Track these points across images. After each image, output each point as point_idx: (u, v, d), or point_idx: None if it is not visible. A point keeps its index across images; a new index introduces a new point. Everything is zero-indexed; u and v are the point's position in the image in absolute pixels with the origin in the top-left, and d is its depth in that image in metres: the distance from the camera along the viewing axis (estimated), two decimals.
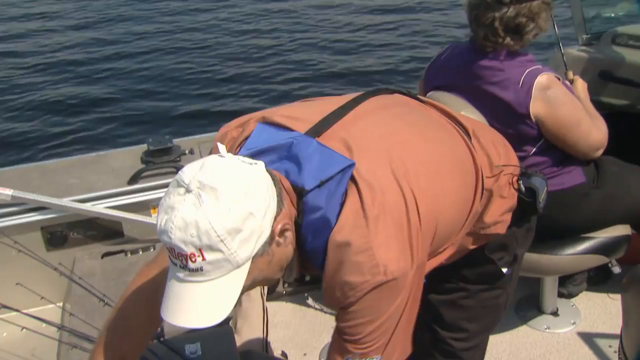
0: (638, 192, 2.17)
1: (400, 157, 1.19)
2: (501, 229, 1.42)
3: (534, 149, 2.03)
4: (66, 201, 2.44)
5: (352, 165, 1.12)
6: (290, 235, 1.08)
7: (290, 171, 1.11)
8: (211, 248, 0.95)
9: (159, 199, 2.46)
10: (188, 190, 0.97)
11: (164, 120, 5.66)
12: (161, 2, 8.90)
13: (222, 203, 0.95)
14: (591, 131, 2.03)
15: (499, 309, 1.59)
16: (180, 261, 0.98)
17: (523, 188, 1.44)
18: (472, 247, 1.43)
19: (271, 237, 1.03)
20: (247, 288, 1.05)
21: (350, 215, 1.09)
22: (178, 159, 2.72)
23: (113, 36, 7.75)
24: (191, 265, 0.97)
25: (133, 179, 2.60)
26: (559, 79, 1.99)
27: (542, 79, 1.93)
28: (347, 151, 1.14)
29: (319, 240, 1.11)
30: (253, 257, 1.01)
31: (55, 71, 6.87)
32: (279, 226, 1.03)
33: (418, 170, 1.19)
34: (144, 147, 2.79)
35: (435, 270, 1.36)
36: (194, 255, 0.96)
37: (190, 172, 0.99)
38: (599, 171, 2.15)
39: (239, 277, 1.00)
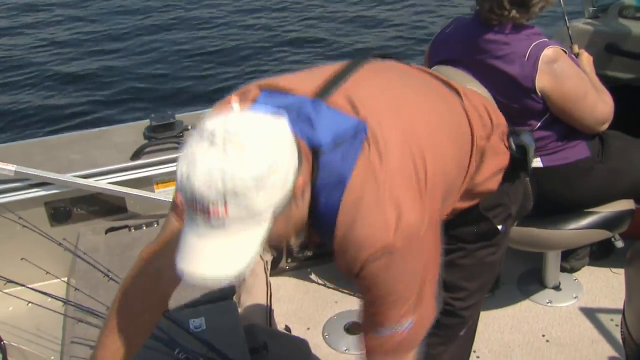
0: None
1: (407, 116, 1.21)
2: (493, 186, 1.46)
3: (539, 123, 2.02)
4: (69, 177, 2.44)
5: (364, 126, 1.12)
6: (307, 195, 1.07)
7: (305, 131, 1.09)
8: (235, 199, 0.93)
9: (162, 174, 2.48)
10: (212, 141, 0.93)
11: (167, 96, 5.64)
12: None
13: (247, 154, 0.93)
14: (597, 105, 2.01)
15: (495, 265, 1.62)
16: (202, 214, 0.95)
17: (514, 146, 1.48)
18: (465, 205, 1.45)
19: (292, 195, 1.01)
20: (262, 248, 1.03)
21: (363, 173, 1.09)
22: (181, 134, 2.70)
23: (118, 13, 7.69)
24: (213, 217, 0.94)
25: (136, 155, 2.59)
26: (565, 52, 1.97)
27: (549, 52, 1.91)
28: (355, 112, 1.14)
29: (332, 200, 1.10)
30: (274, 214, 0.98)
31: (58, 48, 6.83)
32: (300, 184, 1.02)
33: (423, 129, 1.21)
34: (146, 122, 2.77)
35: None
36: (217, 207, 0.93)
37: (214, 123, 0.95)
38: (603, 145, 2.13)
39: (259, 232, 0.98)
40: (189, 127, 2.79)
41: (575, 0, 3.04)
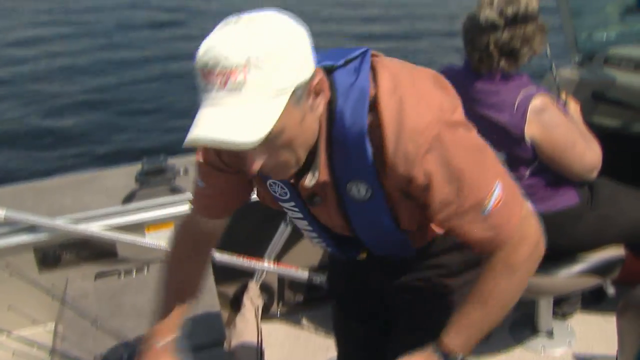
0: (632, 213, 2.18)
1: None
2: None
3: (529, 171, 2.04)
4: (59, 221, 2.43)
5: (368, 49, 1.16)
6: (321, 106, 1.09)
7: (317, 56, 1.09)
8: (255, 67, 0.95)
9: (154, 219, 2.50)
10: (236, 21, 1.00)
11: (160, 138, 5.66)
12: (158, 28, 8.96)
13: (269, 31, 0.98)
14: (586, 153, 2.04)
15: None
16: (220, 79, 0.96)
17: None
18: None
19: (308, 89, 1.04)
20: (276, 145, 1.04)
21: (389, 78, 1.11)
22: (172, 178, 2.71)
23: (112, 55, 7.77)
24: (230, 81, 0.96)
25: (127, 199, 2.59)
26: (553, 101, 2.00)
27: (537, 101, 1.95)
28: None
29: (359, 112, 1.10)
30: (289, 100, 1.00)
31: (50, 90, 6.87)
32: (316, 82, 1.05)
33: None
34: (139, 166, 2.78)
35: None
36: (237, 71, 0.95)
37: (235, 15, 1.02)
38: (592, 193, 2.16)
39: (275, 106, 0.98)
40: (181, 171, 2.80)
41: (562, 48, 3.12)
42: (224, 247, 2.46)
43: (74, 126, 5.94)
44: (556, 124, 1.98)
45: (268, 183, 1.29)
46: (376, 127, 1.10)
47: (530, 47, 1.96)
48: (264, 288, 2.72)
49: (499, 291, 1.23)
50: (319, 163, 1.17)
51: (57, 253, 2.51)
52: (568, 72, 2.83)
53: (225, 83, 0.96)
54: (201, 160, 1.32)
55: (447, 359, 1.21)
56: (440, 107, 1.11)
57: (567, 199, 2.09)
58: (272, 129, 0.99)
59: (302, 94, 1.03)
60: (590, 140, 2.08)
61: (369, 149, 1.12)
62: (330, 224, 1.35)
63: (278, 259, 2.66)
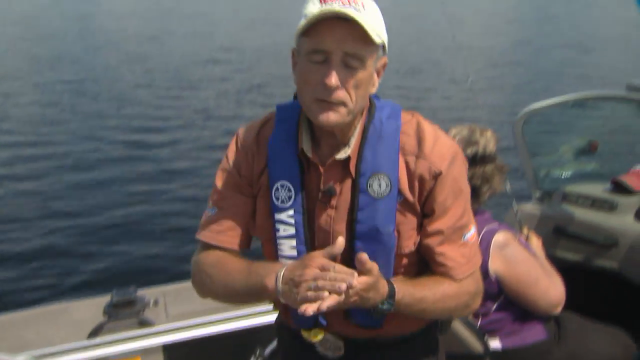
0: (599, 350, 2.19)
1: None
2: None
3: (495, 305, 2.07)
4: (21, 358, 2.35)
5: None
6: (375, 89, 1.41)
7: None
8: (370, 7, 1.31)
9: (120, 353, 2.46)
10: None
11: (131, 267, 5.59)
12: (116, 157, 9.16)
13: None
14: (549, 288, 2.09)
15: None
16: (343, 2, 1.27)
17: None
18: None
19: (381, 61, 1.39)
20: (357, 72, 1.31)
21: (409, 115, 1.47)
22: (142, 310, 2.68)
23: (77, 184, 7.83)
24: (353, 2, 1.28)
25: (93, 333, 2.54)
26: (515, 237, 2.09)
27: (499, 237, 2.03)
28: None
29: (395, 115, 1.44)
30: (375, 53, 1.34)
31: (17, 220, 6.84)
32: (384, 61, 1.40)
33: None
34: (107, 297, 2.75)
35: None
36: (358, 1, 1.29)
37: None
38: (559, 327, 2.18)
39: (375, 44, 1.31)
40: (151, 303, 2.77)
41: (523, 184, 3.28)
42: None
43: (41, 254, 5.86)
44: (519, 259, 2.04)
45: (275, 187, 1.44)
46: (409, 131, 1.42)
47: (490, 186, 2.08)
48: None
49: (443, 300, 1.43)
50: (353, 142, 1.41)
51: None
52: (530, 208, 2.96)
53: (348, 3, 1.27)
54: (219, 183, 1.51)
55: (390, 292, 1.35)
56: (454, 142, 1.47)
57: (535, 333, 2.11)
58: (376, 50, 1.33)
59: (378, 57, 1.36)
60: (553, 276, 2.14)
61: (399, 146, 1.40)
62: (327, 233, 1.42)
63: None
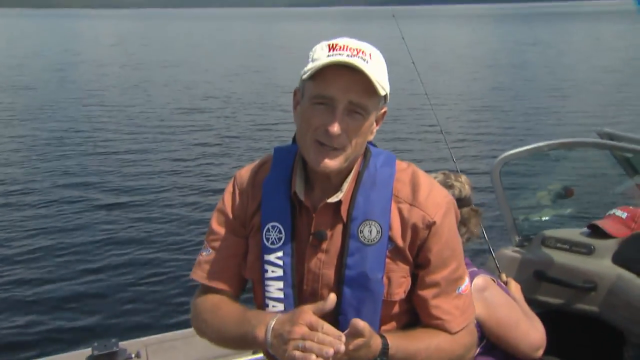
0: None
1: None
2: None
3: (478, 350, 2.08)
4: None
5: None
6: (372, 137, 1.44)
7: None
8: (375, 57, 1.35)
9: None
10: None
11: (113, 319, 5.49)
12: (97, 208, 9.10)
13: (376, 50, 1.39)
14: (530, 331, 2.11)
15: None
16: (352, 51, 1.32)
17: None
18: None
19: (382, 110, 1.43)
20: (358, 121, 1.35)
21: (405, 164, 1.51)
22: None
23: (59, 234, 7.74)
24: (361, 54, 1.32)
25: None
26: (494, 281, 2.12)
27: (479, 281, 2.06)
28: None
29: (390, 163, 1.47)
30: (378, 104, 1.39)
31: None
32: (385, 110, 1.44)
33: None
34: (88, 351, 2.71)
35: None
36: (365, 51, 1.33)
37: None
38: None
39: (378, 95, 1.34)
40: (132, 356, 2.74)
41: (502, 229, 3.33)
42: None
43: (18, 308, 5.74)
44: (499, 302, 2.07)
45: (266, 228, 1.44)
46: (404, 179, 1.44)
47: (467, 229, 2.12)
48: None
49: (437, 354, 1.44)
50: (346, 187, 1.42)
51: None
52: (509, 253, 3.00)
53: (357, 54, 1.32)
54: (214, 224, 1.54)
55: (383, 348, 1.36)
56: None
57: None
58: (378, 102, 1.38)
59: (380, 106, 1.40)
60: (533, 319, 2.17)
61: (392, 193, 1.42)
62: (316, 276, 1.42)
63: None
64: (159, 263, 6.72)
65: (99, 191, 9.27)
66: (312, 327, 1.27)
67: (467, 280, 1.49)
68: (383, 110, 1.44)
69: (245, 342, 1.41)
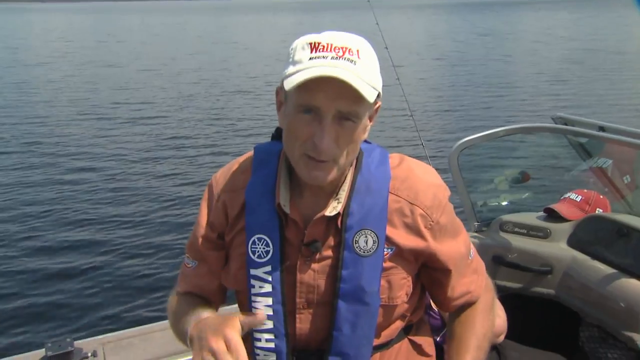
0: None
1: None
2: None
3: (439, 339, 2.08)
4: None
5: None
6: (366, 135, 1.34)
7: None
8: (363, 54, 1.21)
9: None
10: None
11: (66, 317, 5.35)
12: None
13: (366, 42, 1.26)
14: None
15: None
16: (336, 52, 1.18)
17: None
18: None
19: (375, 107, 1.31)
20: (349, 129, 1.24)
21: (399, 157, 1.44)
22: None
23: (9, 231, 7.53)
24: (347, 54, 1.19)
25: None
26: None
27: None
28: None
29: (384, 165, 1.38)
30: (372, 105, 1.27)
31: None
32: (379, 105, 1.31)
33: None
34: (41, 352, 2.62)
35: None
36: (352, 50, 1.20)
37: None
38: (500, 356, 2.21)
39: (371, 91, 1.20)
40: (89, 355, 2.66)
41: (461, 215, 3.35)
42: None
43: None
44: None
45: (252, 240, 1.34)
46: (400, 176, 1.36)
47: None
48: None
49: (487, 330, 1.51)
50: (343, 197, 1.33)
51: None
52: (469, 238, 3.02)
53: (343, 55, 1.18)
54: (193, 235, 1.46)
55: None
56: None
57: None
58: (368, 109, 1.26)
59: (373, 105, 1.28)
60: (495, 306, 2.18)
61: (388, 197, 1.33)
62: (311, 287, 1.34)
63: None
64: (114, 261, 6.58)
65: (52, 191, 9.03)
66: (227, 345, 1.16)
67: (471, 245, 1.55)
68: (377, 106, 1.31)
69: (184, 337, 1.35)
